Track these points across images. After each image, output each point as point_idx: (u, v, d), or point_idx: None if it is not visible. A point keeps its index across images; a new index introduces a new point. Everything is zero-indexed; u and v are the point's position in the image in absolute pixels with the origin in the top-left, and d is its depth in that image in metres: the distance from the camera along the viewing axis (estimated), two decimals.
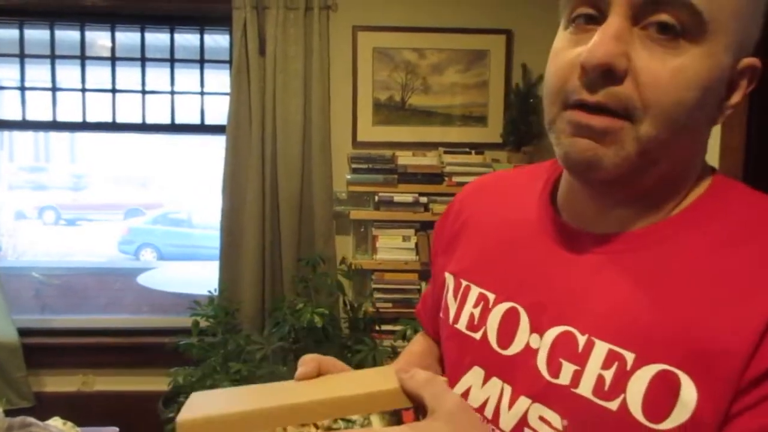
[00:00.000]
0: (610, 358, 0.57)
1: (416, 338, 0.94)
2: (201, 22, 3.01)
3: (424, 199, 2.83)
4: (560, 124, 0.59)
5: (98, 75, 3.10)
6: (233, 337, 2.55)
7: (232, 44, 2.86)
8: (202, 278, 3.12)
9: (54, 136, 9.87)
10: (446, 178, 2.85)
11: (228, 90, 2.86)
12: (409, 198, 2.81)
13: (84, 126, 3.09)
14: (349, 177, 2.88)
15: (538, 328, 0.64)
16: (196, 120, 3.10)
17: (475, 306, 0.71)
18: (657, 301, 0.57)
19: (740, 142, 1.75)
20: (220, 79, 3.11)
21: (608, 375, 0.57)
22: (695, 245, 0.58)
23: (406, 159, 2.88)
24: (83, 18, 2.97)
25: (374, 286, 2.86)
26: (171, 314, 3.26)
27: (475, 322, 0.70)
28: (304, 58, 2.82)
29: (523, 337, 0.65)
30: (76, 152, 10.50)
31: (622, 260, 0.61)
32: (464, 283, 0.74)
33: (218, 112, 3.02)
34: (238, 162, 2.86)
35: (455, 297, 0.75)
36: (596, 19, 0.57)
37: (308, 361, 0.62)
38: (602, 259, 0.62)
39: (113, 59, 3.04)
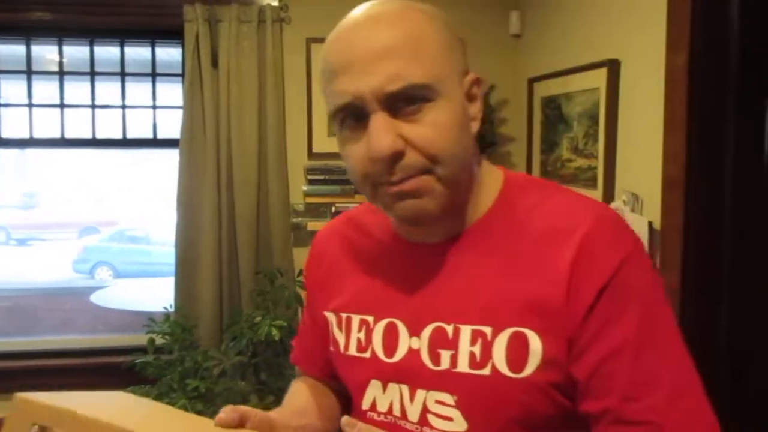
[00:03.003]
0: (475, 336, 0.73)
1: (295, 390, 0.98)
2: (152, 35, 2.97)
3: None
4: (382, 199, 0.74)
5: (46, 90, 3.03)
6: (190, 354, 2.51)
7: (184, 57, 2.83)
8: (158, 295, 3.06)
9: (1, 153, 9.56)
10: None
11: (181, 103, 2.83)
12: None
13: (32, 142, 3.01)
14: (305, 188, 2.87)
15: (415, 332, 0.77)
16: (148, 134, 3.05)
17: (359, 331, 0.82)
18: (490, 281, 0.73)
19: (681, 148, 1.81)
20: (172, 92, 3.07)
21: (477, 350, 0.72)
22: (504, 235, 0.75)
23: None
24: (29, 32, 2.91)
25: None
26: (126, 333, 3.19)
27: (363, 344, 0.82)
28: (258, 71, 2.81)
29: (404, 343, 0.78)
30: (25, 170, 10.19)
31: (457, 260, 0.77)
32: (344, 315, 0.85)
33: (171, 125, 2.98)
34: (193, 176, 2.83)
35: (340, 329, 0.85)
36: (362, 118, 0.71)
37: (228, 411, 0.68)
38: (443, 260, 0.77)
39: (61, 73, 2.98)
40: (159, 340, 2.61)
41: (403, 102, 0.69)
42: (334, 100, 0.73)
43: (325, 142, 2.95)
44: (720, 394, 1.85)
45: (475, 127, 0.76)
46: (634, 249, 0.73)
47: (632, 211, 2.07)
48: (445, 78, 0.71)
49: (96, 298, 6.42)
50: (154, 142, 3.06)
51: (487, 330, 0.72)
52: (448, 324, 0.75)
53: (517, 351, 0.70)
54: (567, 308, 0.69)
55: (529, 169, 2.96)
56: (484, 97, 2.91)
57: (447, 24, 0.76)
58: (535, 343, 0.70)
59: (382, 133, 0.69)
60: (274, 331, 2.38)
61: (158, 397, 2.36)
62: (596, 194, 2.31)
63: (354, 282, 0.86)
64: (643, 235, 1.98)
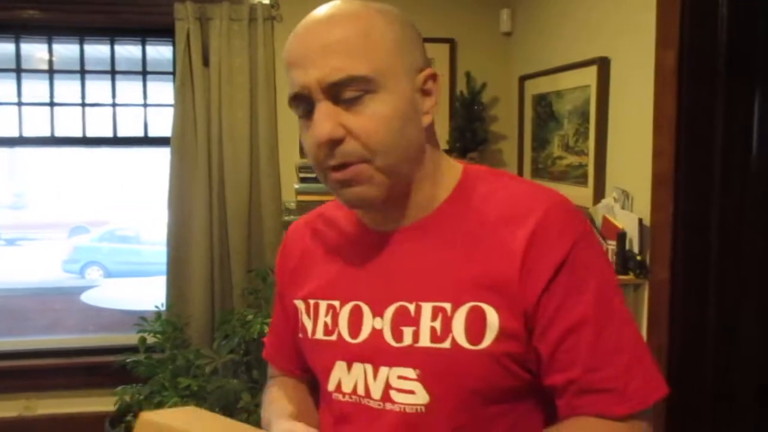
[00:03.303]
0: (435, 312, 0.77)
1: (279, 396, 0.97)
2: (143, 33, 2.96)
3: None
4: (330, 184, 0.80)
5: (36, 88, 3.01)
6: (182, 353, 2.50)
7: (175, 55, 2.83)
8: (149, 294, 3.05)
9: None
10: None
11: (172, 102, 2.82)
12: None
13: (21, 141, 2.99)
14: (297, 186, 2.87)
15: (378, 313, 0.81)
16: (139, 133, 3.04)
17: (326, 315, 0.86)
18: (450, 262, 0.78)
19: (669, 145, 1.83)
20: (163, 90, 3.06)
21: (437, 324, 0.77)
22: (461, 220, 0.80)
23: None
24: (18, 30, 2.89)
25: None
26: (117, 332, 3.18)
27: (329, 328, 0.86)
28: (249, 69, 2.81)
29: (368, 323, 0.82)
30: (14, 169, 10.12)
31: (416, 243, 0.82)
32: (312, 302, 0.89)
33: (162, 124, 2.97)
34: (184, 175, 2.82)
35: (309, 315, 0.89)
36: (311, 108, 0.77)
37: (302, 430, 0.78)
38: (405, 245, 0.82)
39: (51, 72, 2.96)
40: (150, 339, 2.61)
41: (346, 92, 0.75)
42: (289, 89, 0.79)
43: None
44: (708, 385, 1.88)
45: (426, 120, 0.81)
46: (586, 232, 0.79)
47: (622, 207, 2.08)
48: (389, 72, 0.76)
49: (87, 298, 6.38)
50: (145, 141, 3.05)
51: (447, 306, 0.77)
52: (410, 303, 0.79)
53: (475, 324, 0.75)
54: (521, 284, 0.75)
55: (520, 166, 2.98)
56: (476, 95, 2.92)
57: (405, 24, 0.81)
58: (492, 316, 0.75)
59: (323, 120, 0.75)
60: (266, 329, 2.38)
61: (149, 396, 2.36)
62: (587, 191, 2.33)
63: (322, 270, 0.90)
64: (633, 231, 1.99)
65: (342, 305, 0.85)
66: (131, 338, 2.71)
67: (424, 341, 0.77)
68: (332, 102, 0.76)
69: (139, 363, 2.50)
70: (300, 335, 0.91)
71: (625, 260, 2.00)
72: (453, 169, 0.86)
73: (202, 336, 2.79)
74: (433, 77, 0.82)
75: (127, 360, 2.52)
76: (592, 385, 0.74)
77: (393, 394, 0.78)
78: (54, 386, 2.96)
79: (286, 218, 2.89)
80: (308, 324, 0.89)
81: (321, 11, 0.79)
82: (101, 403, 2.74)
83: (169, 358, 2.51)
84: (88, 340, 3.19)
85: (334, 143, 0.75)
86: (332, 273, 0.88)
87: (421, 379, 0.77)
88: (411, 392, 0.77)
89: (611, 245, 2.06)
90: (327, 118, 0.75)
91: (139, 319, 2.64)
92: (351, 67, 0.74)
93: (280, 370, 1.02)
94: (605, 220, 2.13)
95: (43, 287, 7.00)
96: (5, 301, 5.92)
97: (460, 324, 0.76)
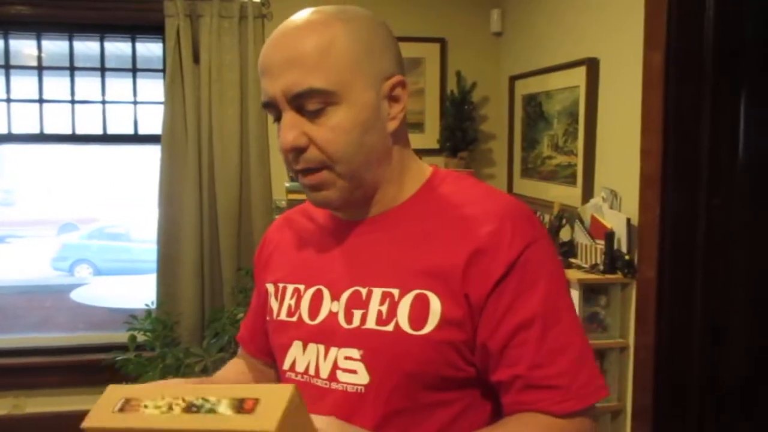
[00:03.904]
0: (384, 297, 0.81)
1: (231, 363, 1.09)
2: (132, 30, 2.95)
3: None
4: (301, 185, 0.86)
5: (24, 85, 2.99)
6: (172, 351, 2.50)
7: (165, 52, 2.82)
8: (139, 292, 3.04)
9: None
10: None
11: (162, 99, 2.81)
12: None
13: (10, 138, 2.97)
14: (288, 185, 2.86)
15: (336, 296, 0.86)
16: (129, 130, 3.03)
17: (291, 298, 0.91)
18: (405, 254, 0.83)
19: (657, 146, 1.84)
20: (153, 87, 3.05)
21: (384, 309, 0.81)
22: (421, 216, 0.85)
23: None
24: (7, 26, 2.87)
25: None
26: (107, 330, 3.17)
27: (292, 310, 0.90)
28: (240, 67, 2.81)
29: (326, 306, 0.86)
30: (3, 166, 10.04)
31: (377, 234, 0.87)
32: (281, 285, 0.94)
33: (152, 121, 2.96)
34: (174, 172, 2.81)
35: (276, 298, 0.94)
36: (281, 117, 0.82)
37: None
38: (367, 236, 0.87)
39: (40, 68, 2.94)
40: (140, 338, 2.60)
41: (308, 104, 0.79)
42: (261, 96, 0.84)
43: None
44: (694, 383, 1.90)
45: (392, 126, 0.85)
46: (540, 236, 0.83)
47: (611, 207, 2.10)
48: (349, 85, 0.80)
49: (76, 296, 6.35)
50: (135, 138, 3.04)
51: (395, 291, 0.81)
52: (364, 287, 0.84)
53: (419, 311, 0.79)
54: (465, 277, 0.78)
55: (510, 166, 2.99)
56: (467, 94, 2.93)
57: (374, 32, 0.83)
58: (435, 304, 0.79)
59: (288, 129, 0.80)
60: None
61: None
62: (576, 191, 2.34)
63: (293, 257, 0.96)
64: (621, 231, 2.01)
65: (306, 289, 0.90)
66: (121, 336, 2.70)
67: (371, 323, 0.81)
68: (297, 112, 0.80)
69: (129, 361, 2.49)
70: (267, 318, 0.97)
71: (612, 259, 2.01)
72: (421, 171, 0.90)
73: (192, 334, 2.79)
74: (401, 84, 0.85)
75: (117, 358, 2.52)
76: (536, 381, 0.77)
77: (339, 374, 0.82)
78: (43, 384, 2.95)
79: (277, 216, 2.89)
80: (275, 306, 0.94)
81: (291, 21, 0.82)
82: (91, 402, 2.68)
83: (159, 356, 2.50)
84: (77, 339, 3.18)
85: (298, 151, 0.81)
86: (301, 259, 0.94)
87: (363, 359, 0.81)
88: (354, 372, 0.81)
89: (599, 244, 2.08)
90: (291, 128, 0.80)
91: (129, 317, 2.63)
92: (311, 80, 0.78)
93: (248, 354, 1.07)
94: (594, 219, 2.15)
95: (32, 285, 6.95)
96: None
97: (405, 310, 0.80)
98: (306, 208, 1.01)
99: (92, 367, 2.69)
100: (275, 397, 0.64)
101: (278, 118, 0.83)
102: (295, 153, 0.81)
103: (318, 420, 0.68)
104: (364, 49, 0.81)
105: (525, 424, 0.77)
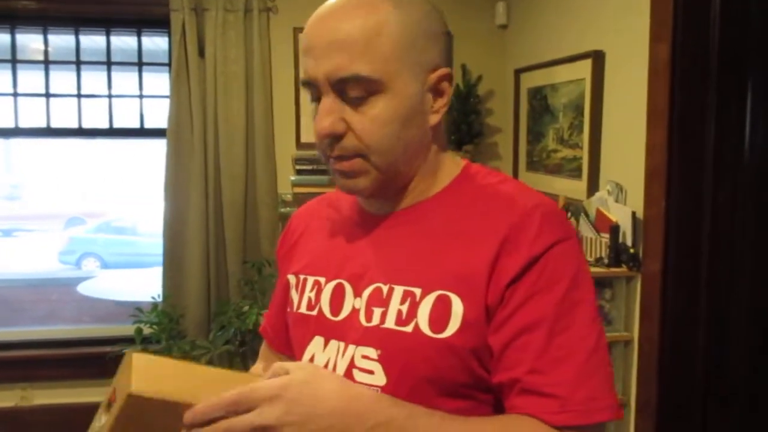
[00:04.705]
0: (405, 296, 0.78)
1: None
2: (138, 24, 2.96)
3: None
4: (331, 170, 0.83)
5: (31, 79, 3.00)
6: (178, 344, 2.52)
7: (170, 46, 2.82)
8: (145, 285, 3.06)
9: None
10: None
11: (168, 93, 2.82)
12: None
13: (17, 132, 2.99)
14: (293, 178, 2.87)
15: (358, 293, 0.83)
16: (135, 124, 3.04)
17: (311, 291, 0.88)
18: (429, 249, 0.79)
19: (663, 139, 1.84)
20: (159, 81, 3.06)
21: (404, 308, 0.77)
22: (448, 212, 0.82)
23: None
24: (14, 21, 2.88)
25: None
26: (113, 323, 3.18)
27: (312, 303, 0.87)
28: (245, 60, 2.81)
29: (349, 303, 0.83)
30: (10, 160, 10.09)
31: (402, 228, 0.84)
32: (302, 277, 0.91)
33: (158, 115, 2.97)
34: (180, 166, 2.82)
35: (296, 290, 0.92)
36: (320, 99, 0.79)
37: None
38: (393, 230, 0.84)
39: (46, 62, 2.95)
40: (146, 330, 2.62)
41: (351, 90, 0.76)
42: (300, 74, 0.81)
43: (313, 132, 2.94)
44: (699, 377, 1.89)
45: (433, 119, 0.82)
46: (567, 237, 0.77)
47: (616, 200, 2.10)
48: (396, 74, 0.76)
49: (83, 289, 6.39)
50: (141, 132, 3.05)
51: (417, 291, 0.77)
52: (385, 284, 0.80)
53: (441, 313, 0.75)
54: (488, 277, 0.75)
55: (515, 160, 2.99)
56: (472, 87, 2.93)
57: (424, 19, 0.79)
58: (458, 306, 0.75)
59: (326, 114, 0.77)
60: (262, 321, 2.39)
61: None
62: (581, 184, 2.34)
63: (315, 248, 0.93)
64: (627, 224, 2.01)
65: (327, 282, 0.87)
66: (127, 329, 2.72)
67: (390, 323, 0.78)
68: (338, 96, 0.77)
69: None
70: (288, 309, 0.94)
71: (618, 253, 2.01)
72: (453, 165, 0.87)
73: (197, 327, 2.80)
74: (448, 77, 0.81)
75: (123, 351, 2.52)
76: (534, 386, 0.71)
77: (355, 372, 0.79)
78: (50, 377, 2.98)
79: (282, 210, 2.90)
80: (295, 298, 0.91)
81: (335, 0, 0.78)
82: (97, 394, 2.75)
83: (165, 349, 2.52)
84: (83, 331, 3.20)
85: (335, 137, 0.78)
86: (323, 251, 0.91)
87: (381, 359, 0.77)
88: (371, 372, 0.78)
89: (604, 238, 2.07)
90: (329, 113, 0.77)
91: (135, 310, 2.65)
92: (356, 67, 0.74)
93: (270, 346, 1.05)
94: (599, 213, 2.14)
95: (39, 278, 6.99)
96: (1, 291, 5.92)
97: (425, 311, 0.76)
98: (330, 198, 0.99)
99: (98, 359, 2.71)
100: (124, 372, 0.67)
101: (316, 99, 0.80)
102: (331, 139, 0.78)
103: (290, 365, 0.69)
104: (414, 37, 0.77)
105: (519, 426, 0.72)
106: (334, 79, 0.76)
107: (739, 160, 1.82)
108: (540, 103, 2.70)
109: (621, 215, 2.04)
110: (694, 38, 1.79)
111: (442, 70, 0.81)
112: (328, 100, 0.77)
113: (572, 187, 2.39)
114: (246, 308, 2.47)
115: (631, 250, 1.99)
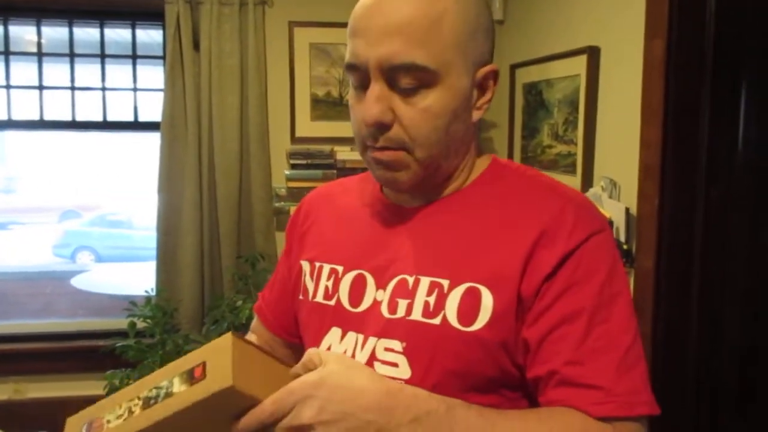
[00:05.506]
0: (432, 287, 0.76)
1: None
2: (133, 16, 2.94)
3: None
4: (367, 159, 0.80)
5: (25, 71, 2.98)
6: (171, 337, 2.51)
7: (165, 39, 2.81)
8: (140, 279, 3.05)
9: None
10: None
11: (162, 86, 2.80)
12: None
13: (10, 124, 2.97)
14: (287, 173, 2.87)
15: (381, 285, 0.80)
16: (129, 117, 3.02)
17: (328, 279, 0.86)
18: (459, 241, 0.77)
19: (657, 136, 1.84)
20: (153, 74, 3.05)
21: (431, 300, 0.75)
22: (480, 204, 0.80)
23: (344, 154, 2.89)
24: (7, 12, 2.86)
25: None
26: (107, 317, 3.18)
27: (330, 292, 0.85)
28: (240, 54, 2.80)
29: (370, 295, 0.81)
30: (4, 153, 10.04)
31: (431, 220, 0.81)
32: (317, 264, 0.88)
33: (152, 108, 2.96)
34: (174, 159, 2.81)
35: (311, 277, 0.89)
36: (366, 83, 0.75)
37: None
38: (418, 222, 0.82)
39: (40, 54, 2.94)
40: (140, 324, 2.61)
41: (403, 79, 0.72)
42: (347, 56, 0.77)
43: (307, 127, 2.94)
44: (691, 374, 1.90)
45: (476, 116, 0.80)
46: (602, 230, 0.76)
47: (610, 197, 2.10)
48: (450, 66, 0.73)
49: (77, 282, 6.37)
50: (135, 125, 3.04)
51: (445, 282, 0.75)
52: (411, 275, 0.78)
53: (469, 305, 0.73)
54: (522, 272, 0.73)
55: (510, 155, 2.99)
56: None
57: (481, 13, 0.77)
58: (487, 299, 0.73)
59: (375, 102, 0.73)
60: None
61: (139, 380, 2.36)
62: (575, 180, 2.34)
63: (331, 235, 0.90)
64: (620, 220, 2.01)
65: (345, 272, 0.84)
66: (121, 323, 2.71)
67: (416, 315, 0.75)
68: (387, 84, 0.74)
69: (129, 348, 2.50)
70: (300, 296, 0.91)
71: None
72: (483, 157, 0.86)
73: (191, 321, 2.80)
74: (494, 74, 0.80)
75: (117, 345, 2.53)
76: (572, 378, 0.69)
77: (377, 365, 0.76)
78: (43, 370, 2.97)
79: (276, 204, 2.89)
80: (310, 286, 0.88)
81: None
82: (90, 387, 2.75)
83: (159, 342, 2.52)
84: (78, 325, 3.19)
85: (380, 126, 0.74)
86: (340, 239, 0.88)
87: (406, 352, 0.75)
88: (394, 365, 0.75)
89: None
90: (378, 101, 0.73)
91: (129, 303, 2.64)
92: (415, 54, 0.71)
93: (265, 327, 1.01)
94: None
95: (33, 271, 6.97)
96: None
97: (453, 303, 0.74)
98: (346, 184, 0.96)
99: (92, 353, 2.71)
100: (219, 352, 0.64)
101: (360, 86, 0.76)
102: (376, 129, 0.74)
103: (324, 355, 0.68)
104: (471, 29, 0.75)
105: (561, 419, 0.68)
106: (386, 66, 0.72)
107: (733, 157, 1.82)
108: (535, 99, 2.70)
109: (615, 211, 2.04)
110: (689, 35, 1.79)
111: (491, 66, 0.79)
112: (377, 87, 0.73)
113: (566, 183, 2.39)
114: (239, 303, 2.46)
115: (625, 247, 1.99)
